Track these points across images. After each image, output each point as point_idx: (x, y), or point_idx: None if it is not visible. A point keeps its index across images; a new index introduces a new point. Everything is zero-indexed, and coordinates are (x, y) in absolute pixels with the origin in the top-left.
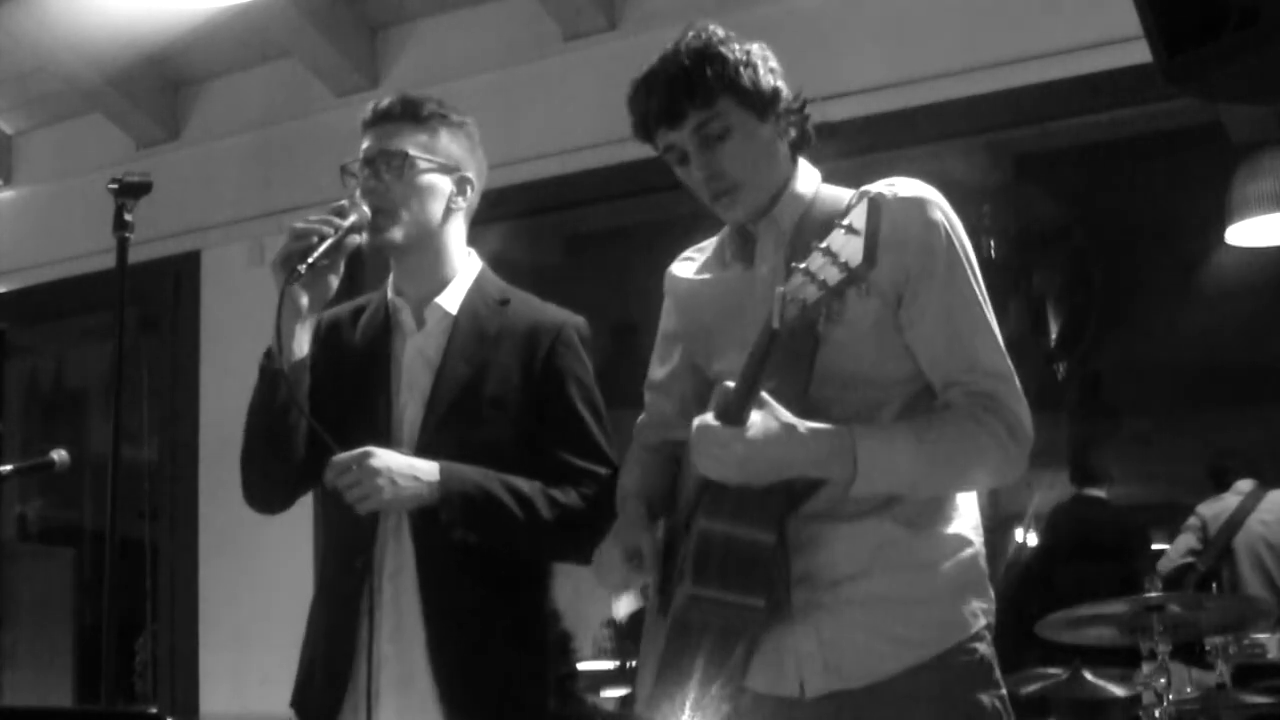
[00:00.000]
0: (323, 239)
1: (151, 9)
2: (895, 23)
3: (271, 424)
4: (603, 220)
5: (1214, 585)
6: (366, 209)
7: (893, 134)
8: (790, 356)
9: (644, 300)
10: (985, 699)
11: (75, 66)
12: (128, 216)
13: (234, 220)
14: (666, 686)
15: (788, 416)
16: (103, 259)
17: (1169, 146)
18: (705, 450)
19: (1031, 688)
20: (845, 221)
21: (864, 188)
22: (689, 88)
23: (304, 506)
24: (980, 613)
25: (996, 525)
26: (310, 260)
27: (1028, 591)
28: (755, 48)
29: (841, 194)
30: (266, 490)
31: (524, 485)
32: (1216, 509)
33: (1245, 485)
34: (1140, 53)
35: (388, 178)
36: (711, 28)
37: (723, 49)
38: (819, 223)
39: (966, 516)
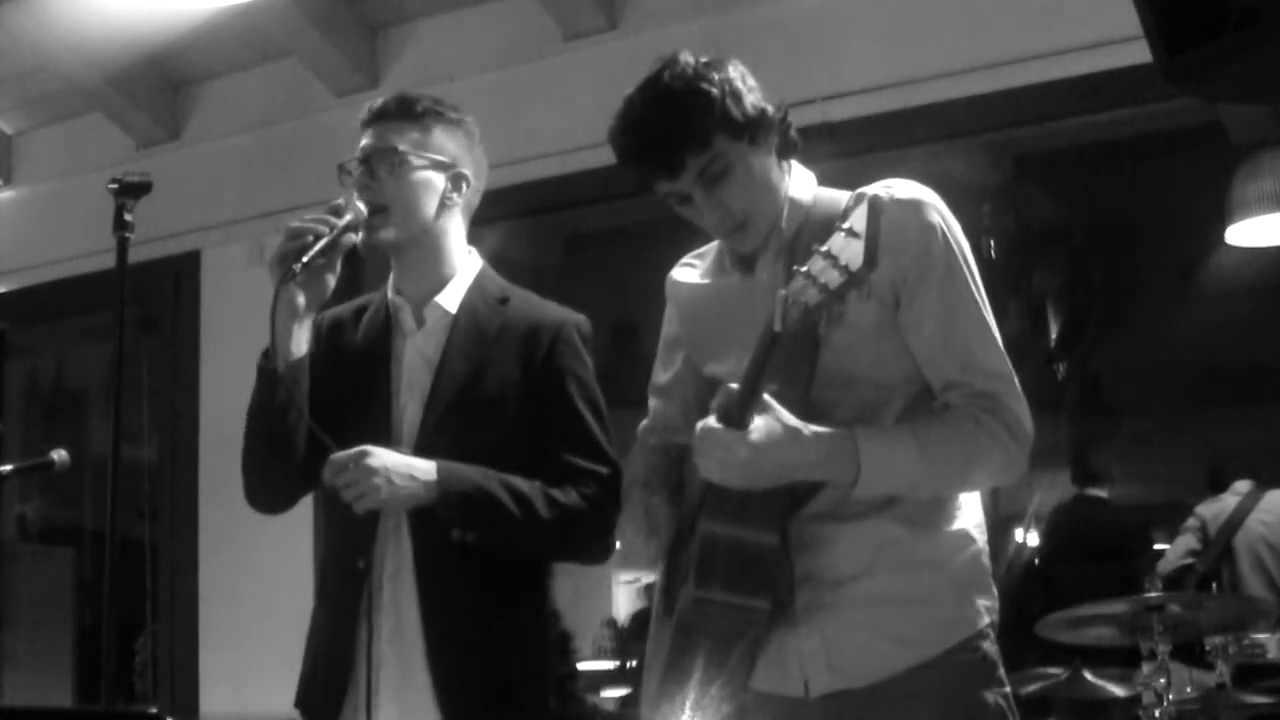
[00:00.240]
0: (318, 238)
1: (151, 9)
2: (895, 23)
3: (271, 425)
4: (603, 220)
5: (1214, 585)
6: (362, 207)
7: (893, 134)
8: (792, 359)
9: (644, 300)
10: (989, 697)
11: (75, 66)
12: (128, 216)
13: (234, 220)
14: (672, 688)
15: (790, 419)
16: (103, 259)
17: (1169, 146)
18: (708, 453)
19: (1032, 687)
20: (845, 224)
21: (861, 190)
22: (683, 138)
23: (304, 506)
24: (985, 610)
25: (997, 525)
26: (305, 259)
27: (1028, 591)
28: (732, 71)
29: (839, 196)
30: (268, 491)
31: (523, 485)
32: (1216, 509)
33: (1243, 485)
34: (1140, 53)
35: (382, 175)
36: (684, 60)
37: (705, 86)
38: (818, 226)
39: (969, 514)
